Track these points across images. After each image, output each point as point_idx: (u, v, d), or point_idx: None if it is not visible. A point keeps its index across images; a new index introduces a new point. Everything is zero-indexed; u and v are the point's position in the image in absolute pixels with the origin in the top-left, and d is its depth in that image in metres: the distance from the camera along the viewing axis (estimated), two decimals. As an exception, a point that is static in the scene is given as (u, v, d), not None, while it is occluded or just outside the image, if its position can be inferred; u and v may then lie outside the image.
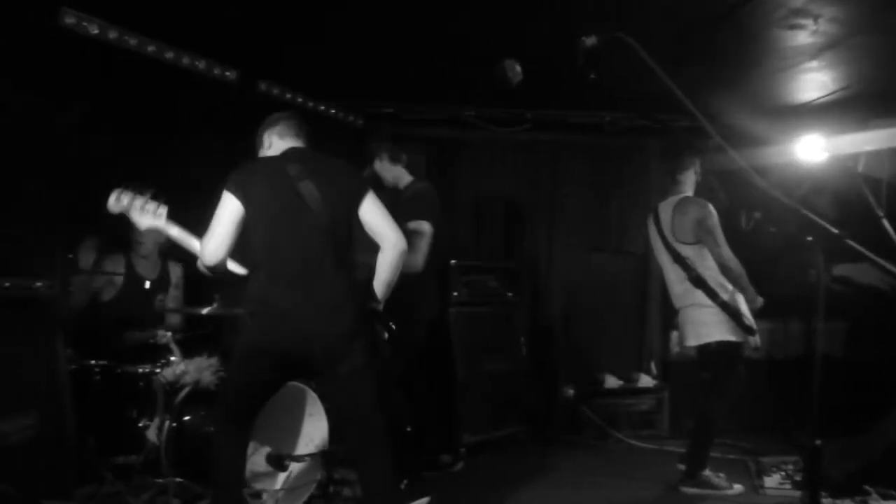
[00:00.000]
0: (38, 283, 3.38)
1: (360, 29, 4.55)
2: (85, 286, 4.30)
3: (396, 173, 4.49)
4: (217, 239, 2.92)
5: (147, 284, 4.49)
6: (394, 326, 3.45)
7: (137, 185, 3.20)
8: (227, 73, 4.88)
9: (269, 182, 2.97)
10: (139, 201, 3.15)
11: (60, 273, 3.54)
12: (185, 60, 4.60)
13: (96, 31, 4.06)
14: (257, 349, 2.98)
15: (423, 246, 4.21)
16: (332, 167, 3.11)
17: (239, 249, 3.00)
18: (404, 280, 3.94)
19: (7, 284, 3.21)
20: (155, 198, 3.19)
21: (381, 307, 3.17)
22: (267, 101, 5.15)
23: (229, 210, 2.91)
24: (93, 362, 3.90)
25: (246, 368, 3.04)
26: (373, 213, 3.08)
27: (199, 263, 3.04)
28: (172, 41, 4.49)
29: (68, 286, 3.83)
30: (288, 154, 3.10)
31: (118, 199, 3.13)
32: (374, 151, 4.51)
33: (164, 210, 3.17)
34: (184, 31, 4.44)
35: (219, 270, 2.97)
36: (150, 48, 4.37)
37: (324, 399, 4.09)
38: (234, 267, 3.13)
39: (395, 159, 4.48)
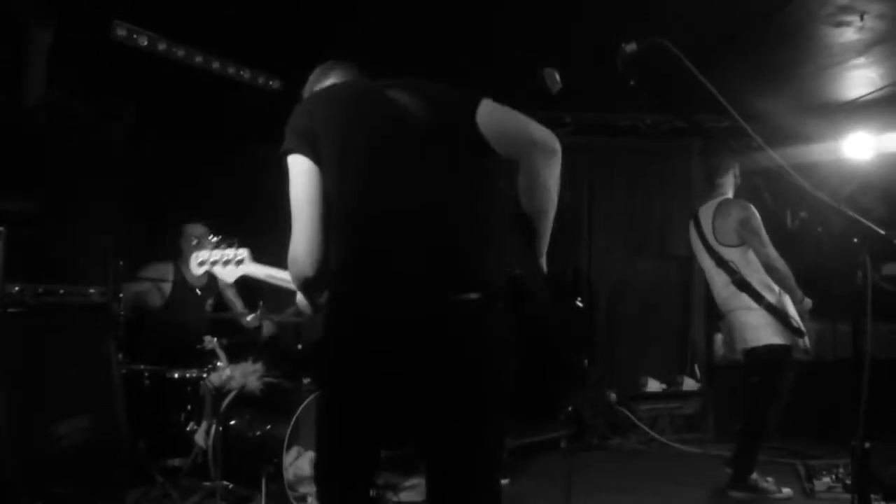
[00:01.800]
0: (92, 290, 3.48)
1: (398, 36, 4.58)
2: (132, 295, 4.36)
3: None
4: (306, 233, 1.91)
5: (198, 292, 4.58)
6: (581, 303, 2.67)
7: (216, 241, 2.74)
8: (271, 83, 4.97)
9: (339, 107, 2.00)
10: (218, 255, 2.68)
11: (113, 280, 3.62)
12: (231, 70, 4.70)
13: (146, 43, 4.18)
14: (350, 354, 1.87)
15: None
16: (425, 81, 2.07)
17: None
18: None
19: (62, 291, 3.30)
20: (229, 244, 2.69)
21: (542, 257, 2.14)
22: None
23: (304, 179, 1.92)
24: (142, 367, 3.99)
25: (343, 398, 1.92)
26: (497, 117, 1.97)
27: (298, 302, 2.20)
28: (218, 52, 4.59)
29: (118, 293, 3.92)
30: (356, 78, 2.22)
31: (200, 262, 2.71)
32: None
33: (244, 252, 2.66)
34: (229, 42, 4.53)
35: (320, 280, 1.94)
36: (198, 59, 4.48)
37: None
38: None
39: None
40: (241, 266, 2.64)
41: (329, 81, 2.23)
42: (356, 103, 2.00)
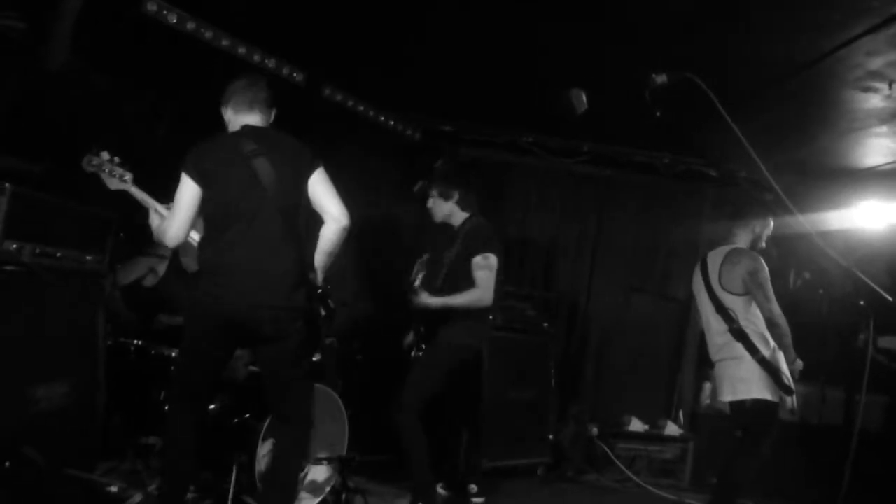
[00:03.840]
0: (88, 257, 3.46)
1: (431, 49, 4.59)
2: (138, 267, 4.38)
3: (447, 210, 4.32)
4: (178, 222, 3.08)
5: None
6: (332, 305, 3.64)
7: (107, 150, 3.32)
8: (295, 74, 4.94)
9: (222, 159, 3.10)
10: (107, 165, 3.30)
11: (111, 251, 3.61)
12: (256, 58, 4.67)
13: (174, 21, 4.16)
14: (207, 322, 3.09)
15: (492, 280, 4.11)
16: (286, 144, 3.21)
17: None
18: (462, 309, 4.06)
19: (59, 254, 3.28)
20: (122, 164, 3.33)
21: (319, 278, 3.28)
22: (328, 106, 5.22)
23: (187, 193, 3.06)
24: (129, 340, 3.97)
25: (197, 345, 3.15)
26: (319, 188, 3.19)
27: (154, 231, 3.26)
28: (245, 36, 4.57)
29: (117, 263, 3.90)
30: (243, 131, 3.20)
31: (89, 161, 3.28)
32: (429, 187, 4.40)
33: (129, 176, 3.33)
34: (258, 29, 4.52)
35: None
36: (224, 42, 4.46)
37: (348, 406, 4.11)
38: (193, 234, 3.31)
39: (445, 196, 4.30)
40: (123, 183, 3.33)
41: (247, 118, 3.22)
42: (242, 163, 3.07)
